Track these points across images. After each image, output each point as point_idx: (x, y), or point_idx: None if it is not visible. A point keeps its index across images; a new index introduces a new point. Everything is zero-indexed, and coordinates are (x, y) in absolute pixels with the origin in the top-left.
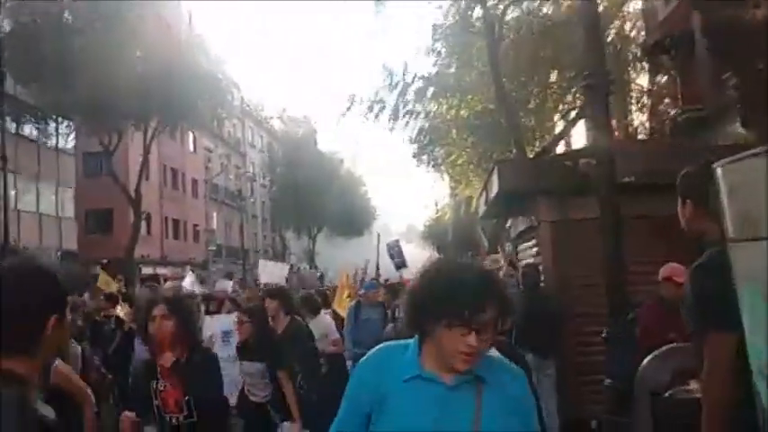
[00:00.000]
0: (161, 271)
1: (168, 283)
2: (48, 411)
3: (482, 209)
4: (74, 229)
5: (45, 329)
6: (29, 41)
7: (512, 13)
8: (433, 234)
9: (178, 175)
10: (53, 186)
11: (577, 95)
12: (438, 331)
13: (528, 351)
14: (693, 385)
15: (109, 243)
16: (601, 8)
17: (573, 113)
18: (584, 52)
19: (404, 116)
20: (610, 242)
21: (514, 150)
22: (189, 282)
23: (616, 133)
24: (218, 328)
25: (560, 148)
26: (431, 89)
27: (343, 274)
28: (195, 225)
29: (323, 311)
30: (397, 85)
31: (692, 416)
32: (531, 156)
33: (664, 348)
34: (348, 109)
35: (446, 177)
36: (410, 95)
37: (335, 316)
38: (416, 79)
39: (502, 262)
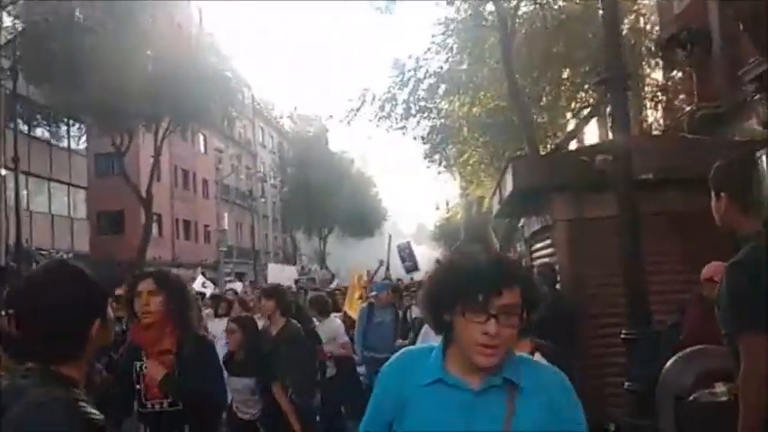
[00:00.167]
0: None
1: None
2: (97, 412)
3: (495, 208)
4: (86, 230)
5: (89, 333)
6: (40, 41)
7: (524, 8)
8: (444, 235)
9: (189, 175)
10: (65, 187)
11: (591, 92)
12: (456, 324)
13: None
14: (719, 388)
15: (120, 244)
16: None
17: (585, 111)
18: (601, 45)
19: (416, 114)
20: (628, 240)
21: (527, 148)
22: (199, 282)
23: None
24: (221, 330)
25: (572, 147)
26: (442, 86)
27: (354, 274)
28: (206, 226)
29: (332, 315)
30: (408, 81)
31: (717, 420)
32: (544, 154)
33: (687, 350)
34: (360, 106)
35: (457, 177)
36: (422, 93)
37: (346, 317)
38: (428, 76)
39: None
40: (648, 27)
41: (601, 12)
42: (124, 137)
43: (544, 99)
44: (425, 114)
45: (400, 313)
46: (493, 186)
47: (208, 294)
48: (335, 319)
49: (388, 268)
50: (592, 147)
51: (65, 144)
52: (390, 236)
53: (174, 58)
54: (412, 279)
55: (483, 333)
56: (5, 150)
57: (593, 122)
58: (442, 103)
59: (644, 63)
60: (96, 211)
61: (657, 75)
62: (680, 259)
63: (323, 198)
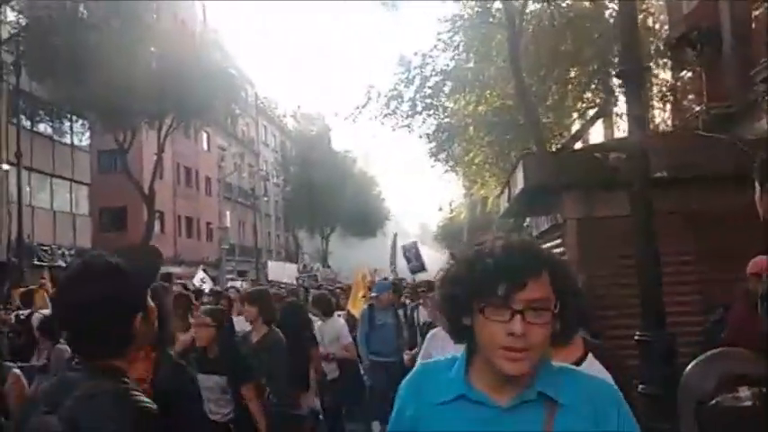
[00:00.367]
0: (174, 270)
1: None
2: (150, 403)
3: (503, 207)
4: (88, 226)
5: (133, 327)
6: (43, 36)
7: (532, 5)
8: (447, 235)
9: (192, 173)
10: (68, 183)
11: (597, 92)
12: (476, 327)
13: None
14: (742, 393)
15: (122, 241)
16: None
17: (591, 112)
18: (616, 39)
19: (421, 111)
20: (642, 240)
21: (534, 148)
22: (198, 278)
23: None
24: None
25: (578, 147)
26: (448, 84)
27: (358, 272)
28: (209, 223)
29: (336, 313)
30: (414, 79)
31: (740, 425)
32: (555, 151)
33: (708, 353)
34: (366, 103)
35: (461, 177)
36: (428, 90)
37: (349, 316)
38: (434, 74)
39: None
40: (657, 26)
41: (608, 11)
42: (127, 134)
43: (550, 99)
44: (431, 112)
45: (401, 313)
46: (497, 186)
47: (206, 290)
48: (339, 319)
49: (394, 268)
50: (604, 144)
51: (68, 140)
52: (396, 235)
53: (178, 55)
54: (414, 280)
55: (507, 334)
56: (8, 146)
57: (599, 123)
58: (448, 101)
59: (652, 63)
60: (99, 207)
61: (666, 75)
62: (695, 258)
63: (325, 197)
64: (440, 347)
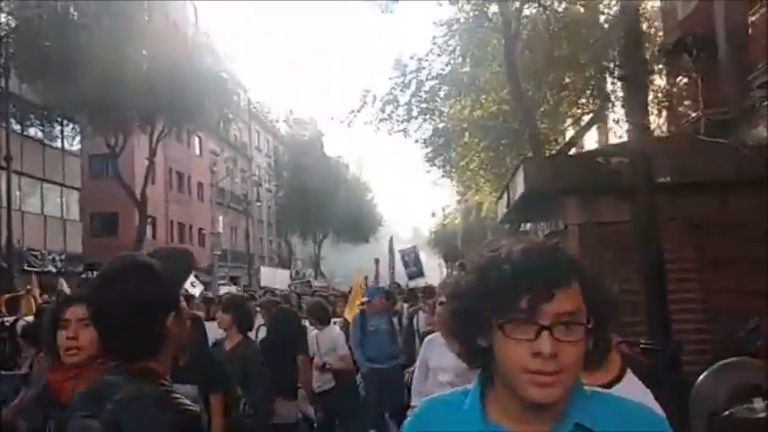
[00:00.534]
0: None
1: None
2: (192, 405)
3: (501, 212)
4: (79, 231)
5: (165, 328)
6: (33, 38)
7: (527, 10)
8: (441, 241)
9: (184, 178)
10: (58, 188)
11: (593, 97)
12: (495, 347)
13: None
14: (757, 404)
15: (114, 246)
16: (616, 8)
17: (586, 118)
18: (618, 44)
19: (417, 116)
20: (647, 247)
21: (531, 153)
22: (188, 282)
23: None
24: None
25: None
26: (444, 88)
27: (357, 279)
28: (201, 229)
29: (333, 321)
30: (410, 83)
31: None
32: (557, 155)
33: (721, 363)
34: (361, 107)
35: (455, 182)
36: (423, 94)
37: (345, 323)
38: (430, 78)
39: None
40: (652, 32)
41: (603, 16)
42: (119, 138)
43: (545, 104)
44: (427, 117)
45: (396, 320)
46: (492, 192)
47: (197, 294)
48: (335, 328)
49: (392, 272)
50: (605, 149)
51: (58, 144)
52: (392, 238)
53: (170, 57)
54: (407, 285)
55: (533, 354)
56: None
57: (593, 130)
58: (444, 105)
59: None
60: (90, 212)
61: (661, 81)
62: (696, 266)
63: (318, 203)
64: (437, 353)
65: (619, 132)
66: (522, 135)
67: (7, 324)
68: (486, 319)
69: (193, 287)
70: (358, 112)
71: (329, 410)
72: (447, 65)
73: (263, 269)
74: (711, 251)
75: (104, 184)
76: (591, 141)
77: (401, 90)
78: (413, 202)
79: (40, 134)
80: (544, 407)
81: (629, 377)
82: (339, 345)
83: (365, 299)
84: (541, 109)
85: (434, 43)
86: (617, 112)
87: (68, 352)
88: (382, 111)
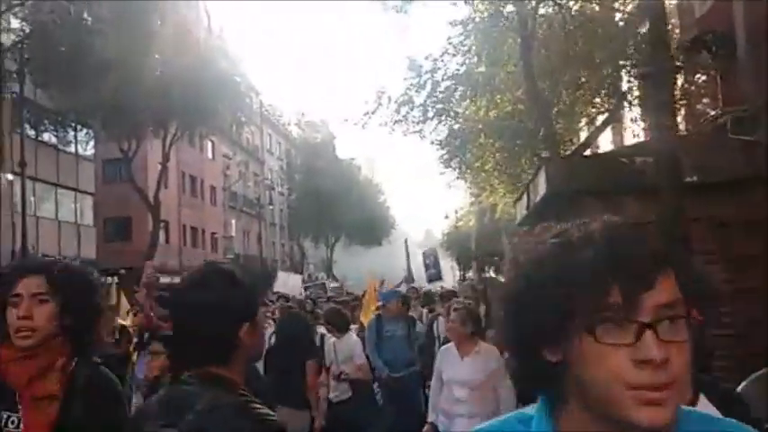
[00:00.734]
0: (179, 280)
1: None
2: (272, 414)
3: (520, 214)
4: (93, 236)
5: (238, 337)
6: (47, 43)
7: (543, 8)
8: (453, 243)
9: (197, 182)
10: (72, 193)
11: (608, 96)
12: (576, 358)
13: None
14: None
15: (127, 251)
16: (631, 6)
17: (601, 118)
18: (638, 37)
19: (433, 117)
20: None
21: (547, 154)
22: None
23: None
24: None
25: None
26: (459, 88)
27: (371, 283)
28: (213, 233)
29: (351, 327)
30: (425, 84)
31: None
32: (581, 156)
33: (764, 370)
34: (375, 109)
35: (468, 184)
36: (439, 95)
37: (362, 328)
38: (445, 78)
39: None
40: (669, 29)
41: (619, 14)
42: (132, 142)
43: (560, 104)
44: (442, 118)
45: (411, 326)
46: (506, 194)
47: None
48: (353, 336)
49: (409, 275)
50: (628, 148)
51: (72, 149)
52: (407, 240)
53: (183, 61)
54: (420, 288)
55: (637, 363)
56: (12, 155)
57: (608, 130)
58: (459, 106)
59: None
60: (103, 217)
61: (678, 78)
62: (721, 267)
63: (331, 206)
64: (449, 365)
65: (635, 132)
66: (536, 135)
67: None
68: (558, 323)
69: None
70: (372, 113)
71: (346, 421)
72: (462, 65)
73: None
74: (736, 250)
75: (117, 189)
76: (606, 142)
77: (416, 91)
78: (425, 204)
79: (53, 139)
80: None
81: (704, 402)
82: (356, 354)
83: (380, 303)
84: (556, 109)
85: (449, 43)
86: (633, 111)
87: (19, 334)
88: (397, 112)
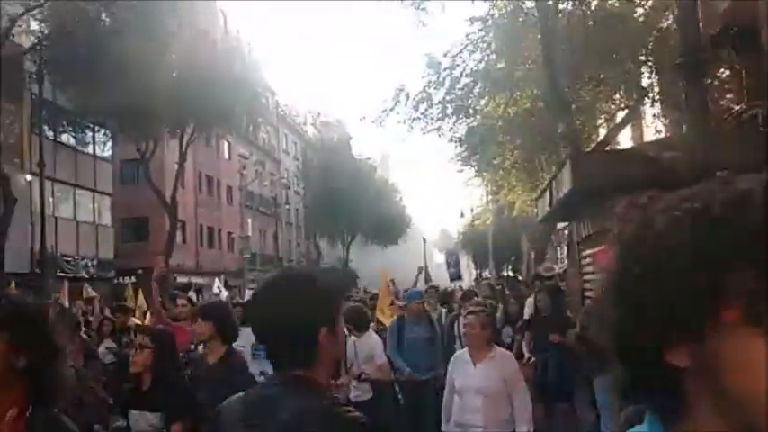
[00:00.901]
0: (196, 280)
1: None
2: (361, 416)
3: (543, 211)
4: (111, 236)
5: (317, 341)
6: (66, 45)
7: (563, 4)
8: (469, 242)
9: (213, 182)
10: (90, 194)
11: (629, 92)
12: (727, 359)
13: (606, 371)
14: None
15: (144, 251)
16: (652, 1)
17: (620, 115)
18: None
19: (451, 114)
20: None
21: (568, 151)
22: (215, 286)
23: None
24: (250, 340)
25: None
26: (478, 85)
27: (385, 274)
28: (230, 233)
29: (371, 326)
30: (444, 81)
31: None
32: (608, 150)
33: None
34: (393, 106)
35: (485, 182)
36: (458, 92)
37: (379, 325)
38: (464, 75)
39: (556, 269)
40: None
41: (640, 9)
42: (149, 143)
43: (580, 101)
44: (461, 115)
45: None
46: (524, 191)
47: (222, 297)
48: (374, 336)
49: (427, 275)
50: (652, 144)
51: (90, 150)
52: (425, 239)
53: (199, 62)
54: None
55: None
56: (31, 156)
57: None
58: (479, 103)
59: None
60: (121, 217)
61: None
62: None
63: (346, 205)
64: (461, 372)
65: (658, 128)
66: (556, 133)
67: None
68: (699, 315)
69: (220, 292)
70: (391, 110)
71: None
72: (480, 62)
73: None
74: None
75: (134, 190)
76: (624, 139)
77: (435, 88)
78: (441, 203)
79: (72, 140)
80: None
81: None
82: (377, 353)
83: (402, 303)
84: (574, 106)
85: (468, 39)
86: (655, 107)
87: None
88: (415, 109)
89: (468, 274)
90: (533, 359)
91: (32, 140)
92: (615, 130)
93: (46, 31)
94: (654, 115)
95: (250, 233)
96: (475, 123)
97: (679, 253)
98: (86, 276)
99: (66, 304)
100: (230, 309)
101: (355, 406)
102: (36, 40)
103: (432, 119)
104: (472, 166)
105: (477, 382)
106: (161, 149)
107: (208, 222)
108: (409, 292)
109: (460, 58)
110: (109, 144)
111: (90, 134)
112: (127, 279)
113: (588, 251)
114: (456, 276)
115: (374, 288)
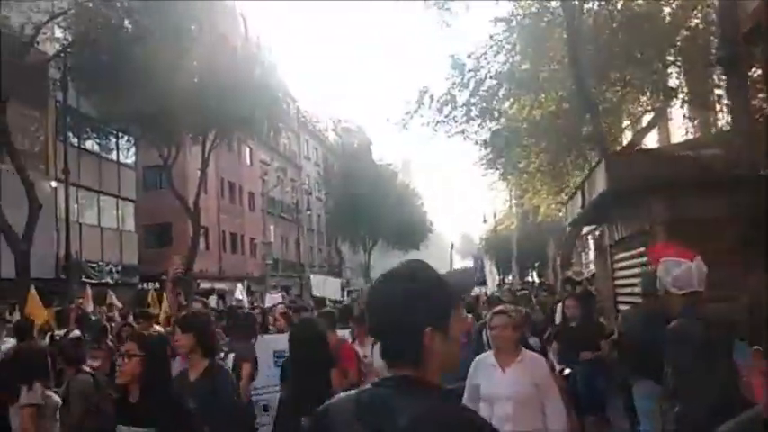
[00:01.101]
0: (218, 286)
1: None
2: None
3: (573, 214)
4: (134, 242)
5: (422, 341)
6: (90, 52)
7: (589, 3)
8: (492, 247)
9: (235, 188)
10: (114, 200)
11: (657, 93)
12: None
13: (650, 378)
14: None
15: (168, 257)
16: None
17: (646, 117)
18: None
19: (476, 117)
20: (752, 247)
21: (596, 153)
22: (238, 292)
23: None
24: (271, 347)
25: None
26: (503, 87)
27: None
28: (252, 239)
29: None
30: (468, 82)
31: None
32: (644, 150)
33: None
34: (417, 109)
35: (509, 186)
36: (482, 94)
37: None
38: (488, 77)
39: (585, 273)
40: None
41: (667, 8)
42: (171, 149)
43: (607, 102)
44: (486, 117)
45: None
46: (548, 194)
47: (245, 304)
48: None
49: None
50: (691, 141)
51: (114, 157)
52: (453, 244)
53: (220, 69)
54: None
55: None
56: (56, 163)
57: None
58: (504, 105)
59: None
60: (144, 223)
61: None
62: None
63: (368, 210)
64: (487, 377)
65: (688, 129)
66: (580, 135)
67: (57, 338)
68: None
69: (240, 296)
70: (414, 112)
71: None
72: (505, 63)
73: (312, 277)
74: None
75: (157, 196)
76: (650, 141)
77: (459, 90)
78: (461, 208)
79: (96, 147)
80: None
81: None
82: None
83: None
84: (600, 107)
85: (492, 40)
86: (684, 109)
87: None
88: (440, 111)
89: (491, 279)
90: (566, 370)
91: (57, 147)
92: (642, 132)
93: (70, 39)
94: (684, 116)
95: (272, 239)
96: (499, 126)
97: None
98: (111, 282)
99: (90, 309)
100: (211, 319)
101: None
102: (60, 48)
103: (456, 121)
104: (497, 169)
105: (507, 387)
106: (183, 156)
107: (230, 228)
108: None
109: (485, 59)
110: (132, 150)
111: (114, 141)
112: (150, 285)
113: (621, 254)
114: (481, 281)
115: None
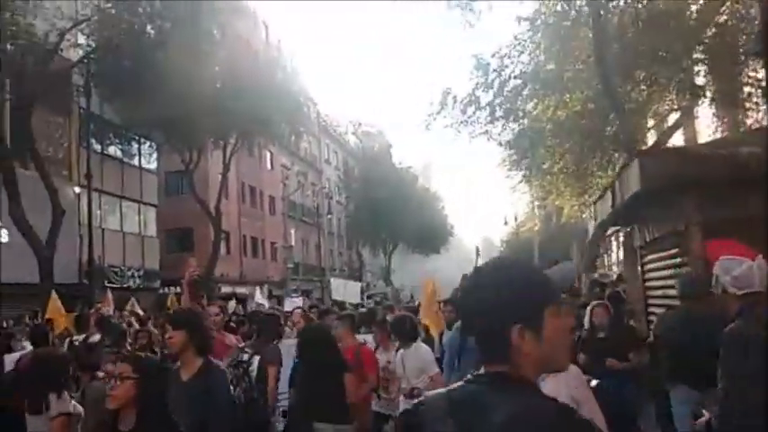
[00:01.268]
0: (239, 290)
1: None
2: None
3: (603, 214)
4: (156, 247)
5: (508, 338)
6: (112, 58)
7: (614, 1)
8: (513, 250)
9: (256, 192)
10: (136, 205)
11: (683, 92)
12: None
13: (686, 383)
14: None
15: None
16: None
17: (672, 117)
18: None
19: (500, 118)
20: None
21: (622, 153)
22: (258, 296)
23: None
24: (292, 352)
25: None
26: (528, 87)
27: (428, 283)
28: (273, 243)
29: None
30: (492, 83)
31: None
32: (677, 147)
33: None
34: (440, 110)
35: (532, 188)
36: (507, 94)
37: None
38: (513, 77)
39: (613, 276)
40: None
41: (694, 6)
42: (193, 154)
43: (633, 101)
44: (510, 118)
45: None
46: (572, 196)
47: (266, 306)
48: (422, 346)
49: None
50: (726, 139)
51: (136, 162)
52: (478, 248)
53: (242, 73)
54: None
55: None
56: (79, 168)
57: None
58: (528, 105)
59: (742, 57)
60: (166, 228)
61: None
62: None
63: (388, 214)
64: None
65: (717, 127)
66: (605, 136)
67: (76, 343)
68: None
69: (261, 301)
70: (438, 113)
71: None
72: (529, 63)
73: (332, 281)
74: None
75: (179, 201)
76: (677, 141)
77: (483, 90)
78: (482, 210)
79: (118, 153)
80: None
81: None
82: (428, 364)
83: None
84: (626, 107)
85: (516, 40)
86: (712, 108)
87: None
88: (463, 112)
89: None
90: (593, 381)
91: (80, 153)
92: (669, 131)
93: (93, 45)
94: (713, 114)
95: (293, 243)
96: (523, 127)
97: None
98: (132, 287)
99: (111, 313)
100: (203, 317)
101: None
102: (83, 54)
103: (480, 122)
104: (521, 170)
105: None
106: (205, 160)
107: (251, 232)
108: None
109: (509, 59)
110: (154, 156)
111: (136, 146)
112: (171, 289)
113: (652, 256)
114: None
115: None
